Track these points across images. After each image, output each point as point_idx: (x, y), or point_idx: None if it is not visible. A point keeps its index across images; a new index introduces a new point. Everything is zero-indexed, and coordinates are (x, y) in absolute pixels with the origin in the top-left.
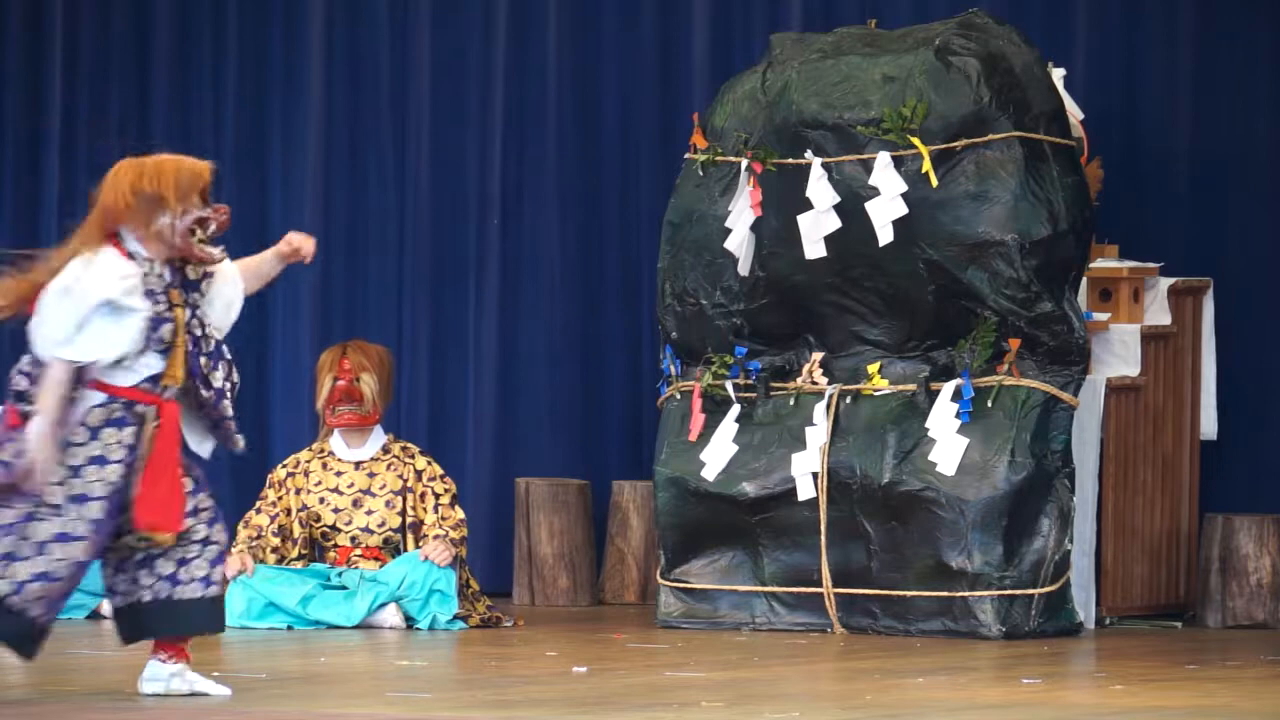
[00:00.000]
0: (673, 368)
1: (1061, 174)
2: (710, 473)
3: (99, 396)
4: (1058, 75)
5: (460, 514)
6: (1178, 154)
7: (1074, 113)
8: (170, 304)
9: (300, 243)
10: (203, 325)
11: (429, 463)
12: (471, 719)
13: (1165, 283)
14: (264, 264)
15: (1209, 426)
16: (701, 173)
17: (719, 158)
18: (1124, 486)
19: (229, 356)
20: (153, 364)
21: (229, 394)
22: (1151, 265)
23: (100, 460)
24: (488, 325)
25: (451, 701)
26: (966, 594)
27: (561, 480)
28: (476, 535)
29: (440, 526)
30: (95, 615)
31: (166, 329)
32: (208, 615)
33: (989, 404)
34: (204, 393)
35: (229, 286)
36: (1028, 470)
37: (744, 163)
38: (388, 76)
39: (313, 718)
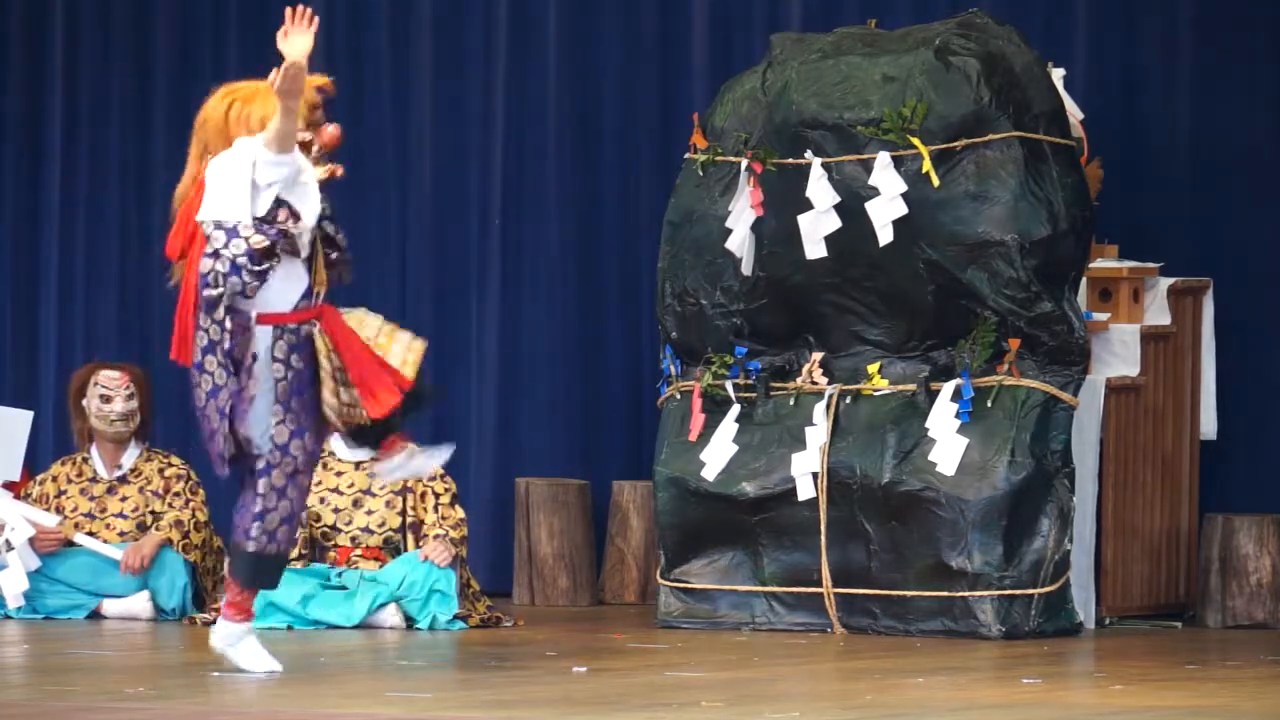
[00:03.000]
0: (673, 368)
1: (1061, 174)
2: (710, 473)
3: (270, 329)
4: (1058, 75)
5: (460, 513)
6: (1177, 154)
7: (1074, 113)
8: None
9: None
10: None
11: None
12: (471, 719)
13: (1165, 283)
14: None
15: (1209, 426)
16: (701, 173)
17: (719, 158)
18: (1124, 486)
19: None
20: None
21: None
22: (1151, 265)
23: (299, 390)
24: (489, 325)
25: (451, 701)
26: (966, 594)
27: (561, 480)
28: (477, 535)
29: (440, 526)
30: (95, 615)
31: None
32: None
33: (989, 404)
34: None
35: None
36: (1027, 470)
37: (744, 163)
38: (389, 78)
39: (313, 718)
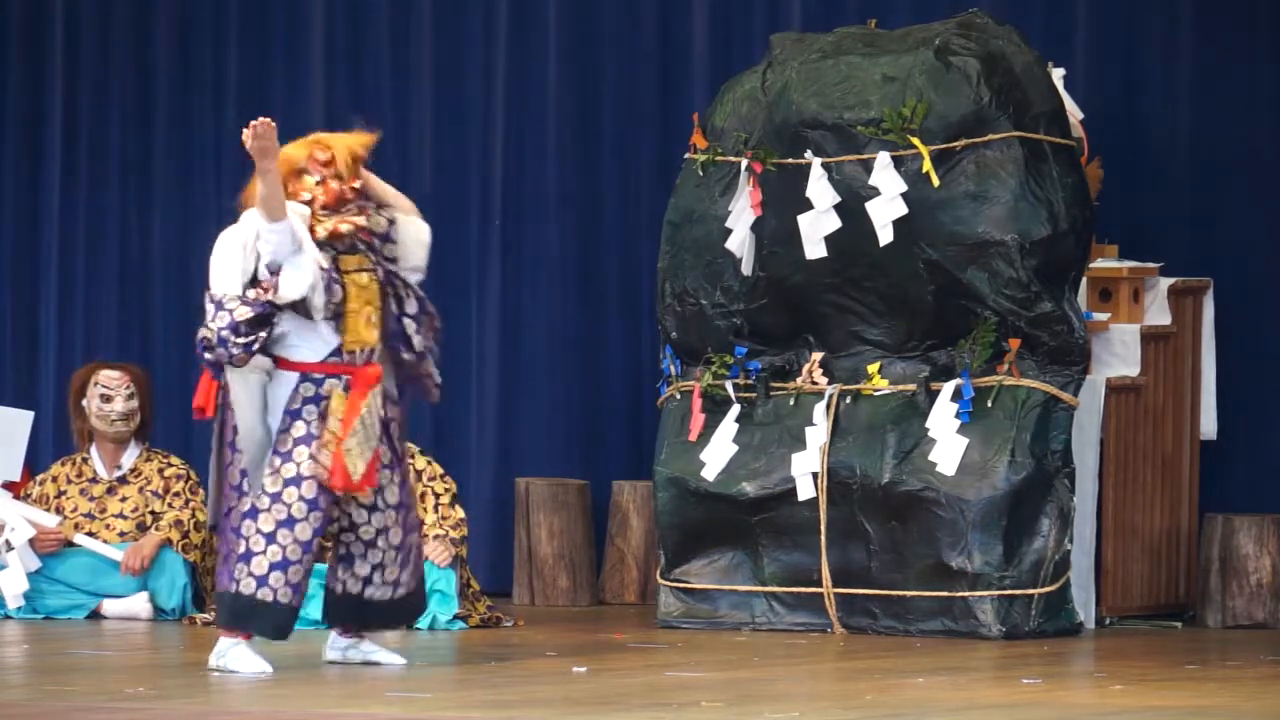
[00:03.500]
0: (673, 368)
1: (1061, 174)
2: (710, 473)
3: (294, 376)
4: (1058, 75)
5: (460, 513)
6: (1177, 154)
7: (1074, 113)
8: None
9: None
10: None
11: (429, 462)
12: (471, 719)
13: (1165, 283)
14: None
15: (1209, 426)
16: (701, 173)
17: (719, 158)
18: (1124, 486)
19: (431, 310)
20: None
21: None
22: (1151, 265)
23: (307, 439)
24: (489, 326)
25: (451, 701)
26: (966, 594)
27: (561, 480)
28: (477, 535)
29: (440, 526)
30: (95, 615)
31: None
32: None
33: (989, 404)
34: (405, 354)
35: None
36: (1028, 470)
37: (744, 163)
38: (389, 78)
39: (313, 718)
